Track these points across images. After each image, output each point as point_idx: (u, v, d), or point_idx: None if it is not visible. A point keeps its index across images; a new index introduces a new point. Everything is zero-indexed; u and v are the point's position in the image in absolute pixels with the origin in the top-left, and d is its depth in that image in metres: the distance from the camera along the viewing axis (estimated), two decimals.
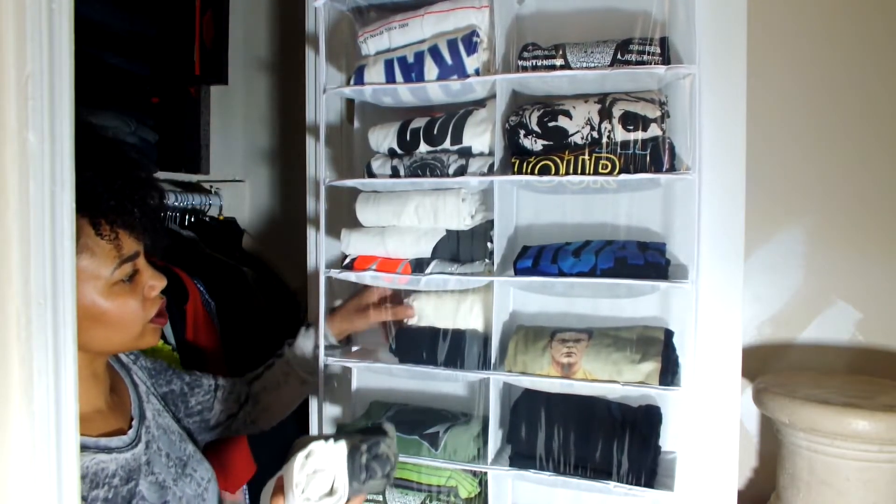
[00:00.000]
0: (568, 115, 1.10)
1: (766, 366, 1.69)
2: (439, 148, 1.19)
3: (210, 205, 1.89)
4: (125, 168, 0.96)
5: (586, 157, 1.08)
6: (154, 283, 0.97)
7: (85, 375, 0.95)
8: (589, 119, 1.09)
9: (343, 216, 1.32)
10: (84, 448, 0.91)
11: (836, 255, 1.66)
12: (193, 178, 1.95)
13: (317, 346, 1.26)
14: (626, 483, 1.08)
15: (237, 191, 2.07)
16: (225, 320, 1.60)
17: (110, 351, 0.99)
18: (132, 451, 0.97)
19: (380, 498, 1.23)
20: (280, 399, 1.28)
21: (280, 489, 0.86)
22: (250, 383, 1.27)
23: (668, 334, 1.15)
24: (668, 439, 1.18)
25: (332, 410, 1.41)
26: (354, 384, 1.39)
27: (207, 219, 1.90)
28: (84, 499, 0.87)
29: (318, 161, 1.35)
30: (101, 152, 0.94)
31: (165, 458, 1.02)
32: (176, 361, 1.41)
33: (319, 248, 1.29)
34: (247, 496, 1.58)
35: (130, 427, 1.00)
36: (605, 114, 1.08)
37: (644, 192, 1.20)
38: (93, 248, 0.89)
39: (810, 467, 1.40)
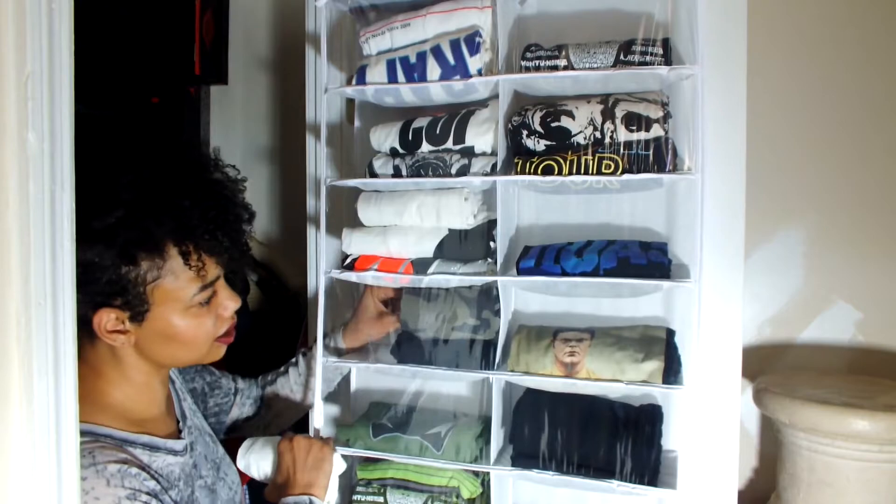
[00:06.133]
0: (571, 115, 1.10)
1: (766, 366, 1.69)
2: (442, 147, 1.19)
3: None
4: (223, 196, 0.96)
5: (590, 157, 1.08)
6: (229, 303, 0.98)
7: (155, 382, 0.98)
8: (592, 119, 1.09)
9: (342, 216, 1.32)
10: (156, 448, 0.93)
11: (836, 255, 1.66)
12: None
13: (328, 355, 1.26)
14: (630, 482, 1.08)
15: None
16: None
17: (175, 365, 1.03)
18: (185, 455, 0.98)
19: (380, 499, 1.23)
20: (292, 406, 1.28)
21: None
22: (263, 388, 1.28)
23: (670, 333, 1.15)
24: (669, 438, 1.18)
25: (332, 410, 1.41)
26: (353, 385, 1.39)
27: None
28: (165, 497, 0.89)
29: (318, 161, 1.35)
30: (203, 180, 0.95)
31: (204, 459, 1.03)
32: None
33: (320, 248, 1.29)
34: (247, 496, 1.58)
35: (180, 431, 1.01)
36: (608, 114, 1.08)
37: (645, 192, 1.20)
38: (177, 272, 0.90)
39: (810, 467, 1.40)
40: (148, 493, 0.85)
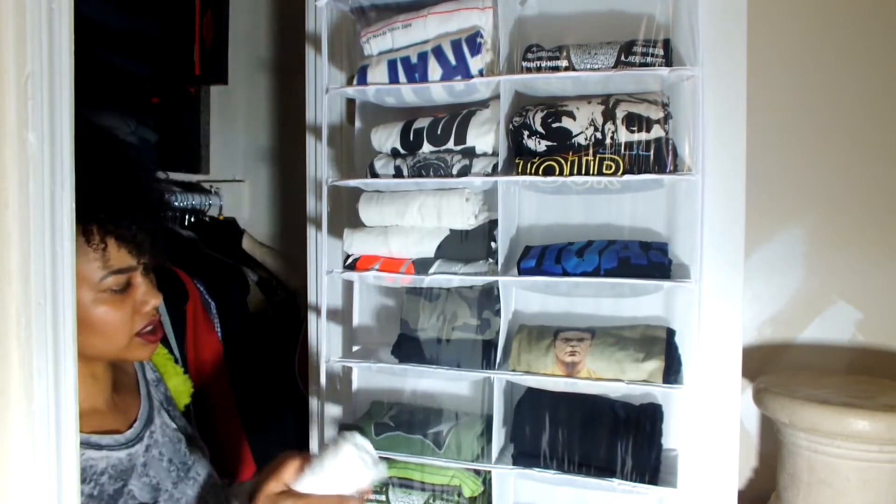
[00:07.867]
0: (572, 115, 1.10)
1: (766, 366, 1.69)
2: (443, 148, 1.19)
3: (210, 205, 1.89)
4: (128, 178, 0.94)
5: (590, 157, 1.09)
6: (148, 298, 0.95)
7: (82, 374, 0.95)
8: (592, 120, 1.09)
9: (343, 216, 1.32)
10: None
11: (836, 255, 1.66)
12: (193, 178, 1.95)
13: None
14: (631, 481, 1.08)
15: (237, 191, 2.07)
16: (225, 320, 1.60)
17: (96, 357, 0.98)
18: (127, 450, 0.97)
19: (382, 497, 1.23)
20: None
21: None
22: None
23: (670, 333, 1.15)
24: (670, 437, 1.19)
25: (333, 410, 1.41)
26: (355, 384, 1.39)
27: (207, 219, 1.90)
28: None
29: (319, 161, 1.35)
30: (105, 158, 0.93)
31: (167, 462, 1.02)
32: (187, 388, 1.32)
33: (321, 249, 1.29)
34: None
35: (130, 428, 1.00)
36: (609, 115, 1.08)
37: (646, 192, 1.20)
38: (85, 253, 0.88)
39: (810, 467, 1.40)
40: None
